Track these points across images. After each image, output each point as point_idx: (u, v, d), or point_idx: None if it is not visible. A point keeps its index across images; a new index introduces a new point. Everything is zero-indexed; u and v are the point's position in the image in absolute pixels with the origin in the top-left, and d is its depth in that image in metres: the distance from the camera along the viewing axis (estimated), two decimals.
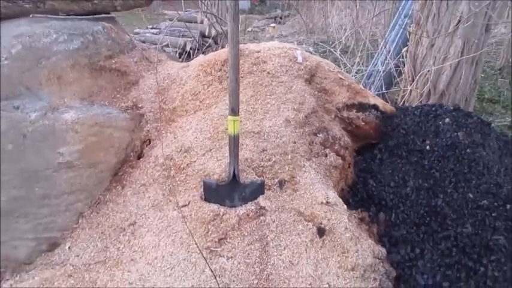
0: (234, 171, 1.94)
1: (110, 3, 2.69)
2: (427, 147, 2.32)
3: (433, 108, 2.47)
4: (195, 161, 2.08)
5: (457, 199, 2.16)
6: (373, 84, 5.14)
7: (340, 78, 2.36)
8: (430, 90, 3.70)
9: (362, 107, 2.40)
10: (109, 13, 2.74)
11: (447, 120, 2.37)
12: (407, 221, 2.16)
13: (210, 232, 1.89)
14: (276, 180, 2.03)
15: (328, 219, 1.97)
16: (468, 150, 2.26)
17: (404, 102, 4.05)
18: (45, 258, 2.24)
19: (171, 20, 5.97)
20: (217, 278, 1.80)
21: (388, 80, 4.83)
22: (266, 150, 2.05)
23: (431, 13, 3.60)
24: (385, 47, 5.01)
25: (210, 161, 2.06)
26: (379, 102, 2.49)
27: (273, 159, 2.04)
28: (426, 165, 2.28)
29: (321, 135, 2.19)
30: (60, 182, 2.21)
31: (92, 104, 2.33)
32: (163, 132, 2.34)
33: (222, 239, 1.88)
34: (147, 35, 5.57)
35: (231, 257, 1.85)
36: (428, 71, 3.65)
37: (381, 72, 4.74)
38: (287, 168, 2.04)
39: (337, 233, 1.95)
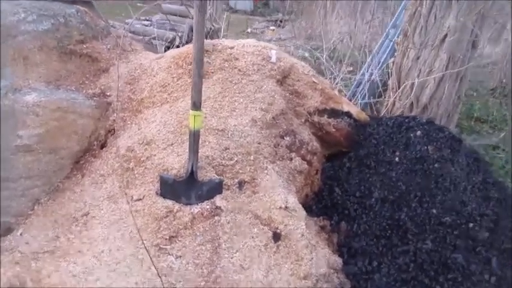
0: (192, 168, 1.88)
1: None
2: (396, 159, 2.28)
3: (406, 120, 2.43)
4: (155, 155, 2.02)
5: (420, 214, 2.12)
6: (360, 93, 5.10)
7: (314, 82, 2.31)
8: (412, 102, 3.66)
9: (334, 113, 2.36)
10: None
11: (418, 133, 2.33)
12: (369, 232, 2.11)
13: (161, 229, 1.84)
14: (236, 180, 1.97)
15: (285, 225, 1.92)
16: (436, 165, 2.22)
17: (388, 113, 4.01)
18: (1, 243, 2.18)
19: (163, 13, 5.92)
20: (164, 277, 1.74)
21: (374, 90, 4.79)
22: (228, 149, 2.00)
23: (419, 25, 3.56)
24: (374, 56, 4.98)
25: (170, 155, 2.00)
26: (354, 109, 2.45)
27: (235, 159, 1.99)
28: (393, 177, 2.24)
29: (287, 138, 2.14)
30: (18, 165, 2.14)
31: (57, 88, 2.27)
32: (128, 122, 2.28)
33: (173, 236, 1.83)
34: (137, 26, 5.50)
35: (180, 256, 1.80)
36: (413, 83, 3.62)
37: (367, 81, 4.70)
38: (248, 169, 1.99)
39: (293, 239, 1.90)
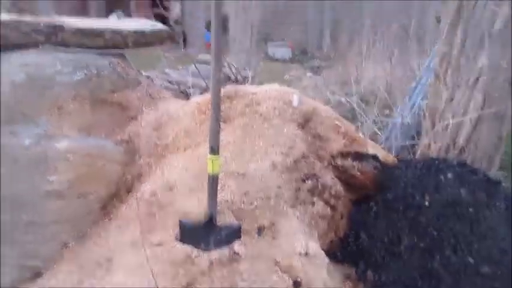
0: (210, 213, 1.87)
1: (122, 39, 2.79)
2: (426, 202, 2.17)
3: (436, 162, 2.33)
4: (176, 200, 2.04)
5: (455, 263, 1.98)
6: (394, 136, 5.00)
7: (337, 125, 2.29)
8: (449, 144, 3.53)
9: (359, 156, 2.31)
10: (122, 49, 2.84)
11: (450, 175, 2.22)
12: (398, 282, 1.99)
13: (179, 275, 1.81)
14: (255, 225, 1.94)
15: (306, 273, 1.84)
16: (470, 209, 2.09)
17: (423, 155, 3.88)
18: (30, 285, 2.23)
19: (200, 63, 6.18)
20: None
21: (409, 133, 4.69)
22: (248, 194, 1.98)
23: (450, 66, 3.50)
24: (408, 99, 4.91)
25: (191, 200, 2.01)
26: (380, 152, 2.39)
27: (255, 204, 1.97)
28: (423, 223, 2.12)
29: (309, 182, 2.11)
30: (47, 210, 2.21)
31: (88, 135, 2.37)
32: (153, 168, 2.33)
33: (190, 284, 1.80)
34: (174, 75, 5.76)
35: None
36: (447, 124, 3.50)
37: (401, 124, 4.61)
38: (268, 214, 1.96)
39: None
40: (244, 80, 6.23)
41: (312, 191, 2.10)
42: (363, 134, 5.03)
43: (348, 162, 2.28)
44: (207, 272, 1.81)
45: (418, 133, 4.42)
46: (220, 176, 2.05)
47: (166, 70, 6.34)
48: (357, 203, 2.40)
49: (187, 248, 1.87)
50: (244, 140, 2.13)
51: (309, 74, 13.40)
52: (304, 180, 2.11)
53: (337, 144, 2.28)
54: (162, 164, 2.30)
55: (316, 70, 14.10)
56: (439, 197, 2.17)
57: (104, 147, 2.32)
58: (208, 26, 16.02)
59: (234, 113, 2.22)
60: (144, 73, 5.60)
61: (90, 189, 2.29)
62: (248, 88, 2.34)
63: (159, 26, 3.10)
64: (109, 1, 14.42)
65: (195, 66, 5.55)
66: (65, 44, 2.52)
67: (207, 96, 2.39)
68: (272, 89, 2.34)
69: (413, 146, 4.60)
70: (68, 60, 2.38)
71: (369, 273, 2.04)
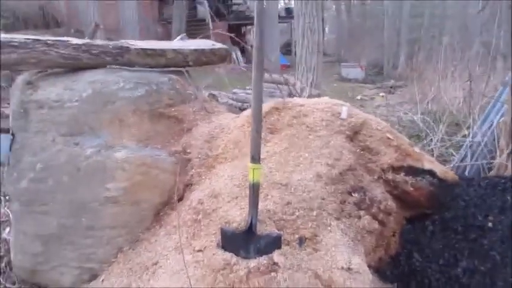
0: (251, 221, 1.87)
1: (183, 58, 2.96)
2: (489, 224, 1.98)
3: (503, 181, 2.13)
4: (220, 207, 2.07)
5: None
6: (471, 157, 4.65)
7: (388, 138, 2.20)
8: None
9: (412, 171, 2.18)
10: (183, 67, 3.00)
11: None
12: None
13: (217, 281, 1.82)
14: (296, 236, 1.90)
15: None
16: None
17: None
18: (85, 286, 2.38)
19: (266, 82, 6.31)
20: None
21: (486, 153, 4.32)
22: (290, 204, 1.96)
23: None
24: (486, 117, 4.55)
25: (234, 208, 2.03)
26: (438, 168, 2.24)
27: (296, 214, 1.94)
28: (485, 245, 1.93)
29: (356, 195, 2.03)
30: (105, 215, 2.37)
31: (146, 146, 2.51)
32: (203, 177, 2.39)
33: None
34: (241, 94, 5.94)
35: None
36: None
37: (476, 143, 4.28)
38: (310, 225, 1.91)
39: None
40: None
41: (358, 205, 2.02)
42: (429, 152, 4.75)
43: (400, 177, 2.16)
44: (244, 280, 1.80)
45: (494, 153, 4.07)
46: (263, 186, 2.06)
47: (235, 90, 6.56)
48: (411, 221, 2.25)
49: (227, 255, 1.88)
50: (290, 151, 2.12)
51: (382, 94, 13.04)
52: (350, 193, 2.03)
53: (388, 158, 2.18)
54: (211, 173, 2.36)
55: (389, 90, 13.68)
56: (504, 219, 1.97)
57: (158, 158, 2.44)
58: (282, 49, 16.39)
59: (281, 125, 2.23)
60: (213, 92, 5.84)
61: (144, 197, 2.42)
62: (297, 100, 2.34)
63: (218, 45, 3.23)
64: (189, 29, 15.43)
65: (277, 85, 5.67)
66: (130, 64, 2.72)
67: None
68: (321, 101, 2.32)
69: (490, 167, 4.24)
70: (131, 78, 2.56)
71: None
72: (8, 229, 2.94)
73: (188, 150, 2.54)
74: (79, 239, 2.38)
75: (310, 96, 6.26)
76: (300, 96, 6.12)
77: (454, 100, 8.43)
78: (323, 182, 2.01)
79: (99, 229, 2.37)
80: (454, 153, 4.81)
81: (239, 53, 18.87)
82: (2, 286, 2.53)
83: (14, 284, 2.60)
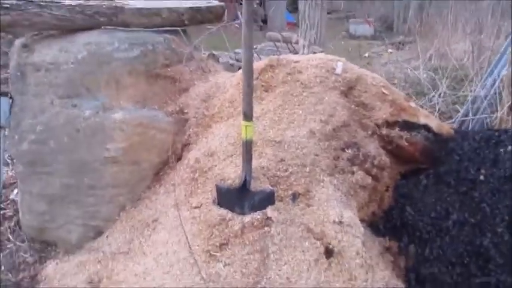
0: (245, 178, 1.91)
1: (178, 17, 2.91)
2: (481, 177, 2.00)
3: (496, 134, 2.12)
4: (216, 165, 2.11)
5: (507, 242, 1.81)
6: (477, 110, 4.61)
7: (383, 93, 2.18)
8: None
9: (408, 126, 2.18)
10: (179, 27, 2.95)
11: (510, 148, 2.01)
12: (442, 258, 1.87)
13: (213, 236, 1.89)
14: (290, 192, 1.94)
15: (339, 241, 1.81)
16: None
17: None
18: (90, 243, 2.47)
19: (269, 40, 6.20)
20: (211, 283, 1.78)
21: (491, 107, 4.27)
22: (284, 161, 1.99)
23: None
24: (491, 71, 4.45)
25: (229, 166, 2.07)
26: (433, 122, 2.23)
27: (290, 170, 1.97)
28: (476, 198, 1.96)
29: (349, 151, 2.05)
30: (106, 175, 2.42)
31: (143, 107, 2.53)
32: (200, 136, 2.42)
33: (223, 244, 1.86)
34: (241, 54, 5.86)
35: (229, 264, 1.82)
36: None
37: (481, 97, 4.22)
38: (303, 181, 1.95)
39: (346, 256, 1.78)
40: None
41: (351, 160, 2.04)
42: (432, 108, 4.71)
43: (395, 132, 2.17)
44: (239, 235, 1.87)
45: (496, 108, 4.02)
46: (257, 144, 2.08)
47: (237, 50, 6.46)
48: (405, 176, 2.27)
49: (222, 211, 1.93)
50: (284, 108, 2.12)
51: (390, 50, 12.73)
52: (343, 149, 2.05)
53: (383, 113, 2.17)
54: (208, 133, 2.39)
55: (398, 46, 13.34)
56: (497, 171, 1.98)
57: (155, 118, 2.46)
58: (288, 6, 15.95)
59: (275, 82, 2.22)
60: (214, 52, 5.77)
61: (143, 157, 2.46)
62: (292, 57, 2.32)
63: (214, 2, 3.17)
64: None
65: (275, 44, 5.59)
66: (125, 25, 2.69)
67: (254, 65, 2.41)
68: (316, 57, 2.29)
69: (492, 121, 4.21)
70: (125, 38, 2.53)
71: (412, 247, 1.95)
72: (15, 191, 3.03)
73: (185, 110, 2.55)
74: (82, 197, 2.46)
75: (313, 54, 6.16)
76: (303, 54, 6.02)
77: (462, 54, 8.23)
78: (316, 139, 2.03)
79: (101, 188, 2.44)
80: (460, 109, 4.76)
81: None
82: (12, 244, 2.65)
83: (23, 242, 2.71)
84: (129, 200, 2.49)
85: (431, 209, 2.03)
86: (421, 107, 5.02)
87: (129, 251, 2.20)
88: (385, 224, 2.08)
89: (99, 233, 2.49)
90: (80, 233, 2.52)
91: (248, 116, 1.85)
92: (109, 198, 2.45)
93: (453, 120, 4.36)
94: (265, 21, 16.23)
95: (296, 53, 5.74)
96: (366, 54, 12.59)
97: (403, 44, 14.30)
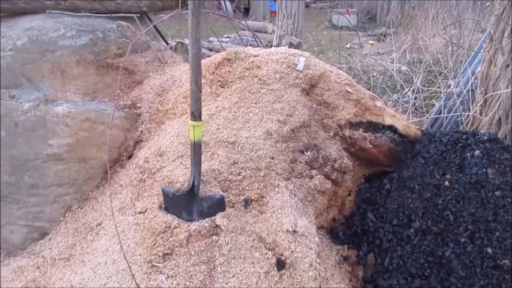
0: (193, 182, 1.75)
1: (135, 3, 2.71)
2: (446, 182, 1.89)
3: (464, 137, 2.01)
4: (165, 166, 1.95)
5: (470, 252, 1.70)
6: (452, 108, 4.53)
7: (348, 92, 2.04)
8: (500, 118, 3.08)
9: (372, 127, 2.05)
10: (137, 14, 2.76)
11: (477, 152, 1.90)
12: (402, 269, 1.76)
13: (157, 245, 1.73)
14: (242, 198, 1.79)
15: (292, 251, 1.67)
16: (497, 192, 1.78)
17: (473, 130, 3.45)
18: (33, 246, 2.29)
19: (243, 29, 6.01)
20: None
21: (465, 104, 4.19)
22: (237, 163, 1.83)
23: (507, 27, 3.01)
24: (467, 67, 4.37)
25: (178, 168, 1.90)
26: (400, 123, 2.11)
27: (243, 174, 1.82)
28: (440, 205, 1.84)
29: (308, 153, 1.90)
30: (49, 173, 2.24)
31: (92, 100, 2.34)
32: (152, 133, 2.25)
33: (167, 254, 1.71)
34: (215, 43, 5.65)
35: (172, 276, 1.67)
36: (500, 95, 3.05)
37: (456, 94, 4.13)
38: (256, 186, 1.80)
39: (298, 268, 1.65)
40: (290, 47, 5.96)
41: (310, 164, 1.90)
42: (405, 104, 4.62)
43: (359, 133, 2.04)
44: (184, 244, 1.71)
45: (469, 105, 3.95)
46: (210, 144, 1.92)
47: (211, 38, 6.25)
48: (370, 180, 2.15)
49: (168, 218, 1.78)
50: (240, 106, 1.96)
51: (371, 41, 12.64)
52: (302, 152, 1.91)
53: (346, 113, 2.03)
54: (160, 130, 2.22)
55: (381, 38, 13.25)
56: (462, 177, 1.87)
57: (103, 112, 2.28)
58: None
59: (233, 77, 2.06)
60: (186, 40, 5.55)
61: (91, 154, 2.28)
62: (251, 50, 2.15)
63: None
64: None
65: (237, 34, 5.41)
66: (75, 9, 2.48)
67: (208, 59, 2.25)
68: (277, 51, 2.13)
69: (467, 119, 4.13)
70: (73, 24, 2.34)
71: (371, 257, 1.83)
72: None
73: (138, 105, 2.37)
74: (24, 197, 2.27)
75: (290, 45, 5.98)
76: (279, 44, 5.84)
77: (441, 48, 8.19)
78: (273, 140, 1.88)
79: (45, 187, 2.26)
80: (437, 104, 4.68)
81: (228, 1, 17.95)
82: None
83: None
84: (76, 200, 2.32)
85: (394, 215, 1.91)
86: (397, 101, 4.93)
87: (70, 257, 2.03)
88: (346, 231, 1.96)
89: (43, 234, 2.32)
90: (23, 234, 2.34)
91: (196, 115, 1.68)
92: (53, 198, 2.28)
93: (425, 117, 4.29)
94: (247, 10, 15.95)
95: (268, 45, 5.58)
96: (348, 45, 12.50)
97: (384, 36, 14.24)
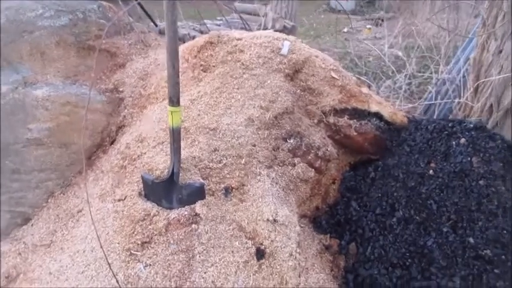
0: (172, 169, 1.72)
1: None
2: (431, 171, 1.86)
3: (450, 124, 1.98)
4: (145, 153, 1.91)
5: (452, 242, 1.69)
6: (446, 94, 4.48)
7: (333, 77, 1.99)
8: (492, 105, 3.04)
9: (358, 114, 2.01)
10: None
11: (462, 140, 1.87)
12: (384, 258, 1.74)
13: (135, 233, 1.71)
14: (222, 186, 1.76)
15: (272, 241, 1.66)
16: (481, 181, 1.75)
17: (464, 117, 3.42)
18: (16, 231, 2.26)
19: (237, 12, 5.89)
20: (129, 285, 1.61)
21: (458, 91, 4.15)
22: (218, 151, 1.79)
23: (500, 12, 2.94)
24: (461, 53, 4.32)
25: (159, 154, 1.86)
26: (386, 110, 2.07)
27: (224, 162, 1.78)
28: (423, 194, 1.82)
29: (291, 140, 1.87)
30: (30, 158, 2.19)
31: (73, 83, 2.28)
32: (135, 118, 2.20)
33: (145, 242, 1.68)
34: (209, 25, 5.53)
35: (150, 265, 1.65)
36: (492, 82, 3.00)
37: (449, 81, 4.08)
38: (237, 174, 1.77)
39: (278, 258, 1.63)
40: (283, 31, 5.85)
41: (293, 151, 1.87)
42: (397, 90, 4.56)
43: (344, 120, 2.00)
44: (163, 232, 1.69)
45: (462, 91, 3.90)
46: (191, 131, 1.88)
47: (205, 21, 6.12)
48: (355, 167, 2.12)
49: (147, 205, 1.75)
50: (222, 92, 1.92)
51: (368, 26, 12.50)
52: (285, 139, 1.87)
53: (331, 99, 1.99)
54: (142, 115, 2.17)
55: (379, 22, 13.10)
56: (446, 166, 1.84)
57: (84, 96, 2.21)
58: None
59: (215, 61, 2.01)
60: (180, 23, 5.43)
61: (72, 139, 2.22)
62: (234, 34, 2.09)
63: None
64: None
65: (224, 18, 5.32)
66: None
67: (191, 42, 2.19)
68: (261, 35, 2.07)
69: (459, 106, 4.09)
70: (51, 4, 2.26)
71: (352, 246, 1.81)
72: None
73: (121, 89, 2.32)
74: (6, 182, 2.22)
75: (283, 29, 5.87)
76: (273, 28, 5.72)
77: (436, 33, 8.09)
78: (255, 127, 1.84)
79: (26, 172, 2.21)
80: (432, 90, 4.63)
81: None
82: None
83: None
84: (59, 185, 2.27)
85: (377, 204, 1.89)
86: (389, 87, 4.87)
87: (51, 243, 2.01)
88: (329, 219, 1.94)
89: (26, 220, 2.28)
90: (6, 219, 2.29)
91: (174, 101, 1.64)
92: (35, 183, 2.23)
93: (417, 103, 4.24)
94: None
95: (260, 28, 5.47)
96: (345, 30, 12.35)
97: (382, 20, 14.05)
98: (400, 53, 6.66)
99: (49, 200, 2.26)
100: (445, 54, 4.84)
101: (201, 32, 5.37)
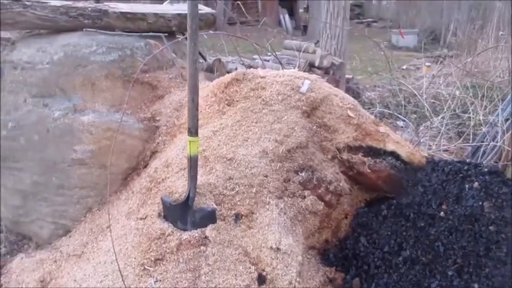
0: (188, 194, 1.87)
1: (165, 23, 2.92)
2: (441, 213, 1.86)
3: (465, 167, 1.97)
4: (169, 177, 2.08)
5: (456, 286, 1.67)
6: (494, 137, 4.32)
7: (349, 116, 2.08)
8: None
9: (372, 152, 2.06)
10: (166, 33, 2.95)
11: (475, 184, 1.85)
12: None
13: (151, 249, 1.86)
14: (233, 212, 1.88)
15: (273, 268, 1.74)
16: (491, 227, 1.73)
17: (495, 161, 3.30)
18: (56, 241, 2.52)
19: (285, 48, 6.13)
20: None
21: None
22: (232, 179, 1.93)
23: None
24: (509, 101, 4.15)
25: (180, 179, 2.03)
26: (403, 150, 2.10)
27: (236, 189, 1.91)
28: (432, 235, 1.82)
29: (303, 174, 1.96)
30: (73, 176, 2.45)
31: (116, 111, 2.55)
32: (166, 145, 2.41)
33: (158, 259, 1.83)
34: (257, 61, 5.81)
35: (160, 280, 1.79)
36: None
37: (490, 122, 3.94)
38: (248, 202, 1.88)
39: (278, 285, 1.71)
40: (331, 68, 5.99)
41: (304, 184, 1.95)
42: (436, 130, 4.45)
43: (357, 158, 2.06)
44: (174, 251, 1.83)
45: None
46: (210, 159, 2.04)
47: (255, 56, 6.42)
48: (370, 205, 2.16)
49: (164, 225, 1.90)
50: (241, 125, 2.07)
51: (427, 63, 12.28)
52: (297, 172, 1.97)
53: (345, 137, 2.07)
54: (173, 142, 2.37)
55: (441, 60, 12.82)
56: (458, 209, 1.83)
57: (124, 123, 2.46)
58: None
59: (239, 97, 2.17)
60: (229, 57, 5.75)
61: (111, 161, 2.47)
62: (259, 71, 2.25)
63: (206, 9, 3.15)
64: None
65: (273, 53, 5.54)
66: (110, 28, 2.72)
67: (221, 78, 2.37)
68: (284, 73, 2.21)
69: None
70: (104, 42, 2.56)
71: (356, 281, 1.84)
72: None
73: (157, 118, 2.54)
74: (51, 196, 2.50)
75: (332, 65, 6.00)
76: (321, 65, 5.87)
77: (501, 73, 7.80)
78: (268, 159, 1.96)
79: (69, 189, 2.47)
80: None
81: (287, 17, 18.18)
82: None
83: (1, 232, 2.79)
84: (97, 202, 2.51)
85: (385, 242, 1.91)
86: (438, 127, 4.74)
87: (82, 254, 2.22)
88: (337, 253, 1.98)
89: (67, 231, 2.53)
90: (50, 229, 2.57)
91: (192, 132, 1.81)
92: (77, 199, 2.48)
93: (456, 144, 4.12)
94: (306, 27, 16.06)
95: (314, 64, 5.61)
96: (404, 67, 12.22)
97: (444, 58, 13.73)
98: (457, 92, 6.49)
99: (87, 215, 2.49)
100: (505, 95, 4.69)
101: (250, 67, 5.65)
